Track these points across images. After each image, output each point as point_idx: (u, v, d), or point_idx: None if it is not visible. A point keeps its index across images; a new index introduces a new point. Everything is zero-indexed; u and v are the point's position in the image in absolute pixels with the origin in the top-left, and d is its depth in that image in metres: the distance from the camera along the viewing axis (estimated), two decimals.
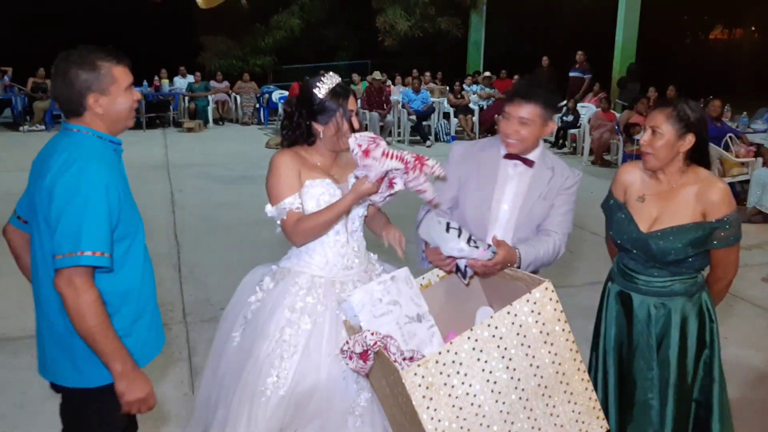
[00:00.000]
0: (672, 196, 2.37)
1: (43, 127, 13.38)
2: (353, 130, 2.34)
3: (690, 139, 2.29)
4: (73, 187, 1.83)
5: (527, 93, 2.42)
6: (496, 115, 13.32)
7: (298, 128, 2.39)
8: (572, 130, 11.96)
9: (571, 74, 13.94)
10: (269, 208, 2.37)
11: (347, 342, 2.02)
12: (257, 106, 15.63)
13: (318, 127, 2.36)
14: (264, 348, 2.28)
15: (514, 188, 2.54)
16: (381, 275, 2.44)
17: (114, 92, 1.95)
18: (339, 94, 2.33)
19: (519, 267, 2.32)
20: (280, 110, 14.51)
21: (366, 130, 2.50)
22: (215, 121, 15.16)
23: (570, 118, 12.01)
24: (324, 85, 2.34)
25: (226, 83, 15.79)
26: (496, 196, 2.54)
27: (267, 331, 2.30)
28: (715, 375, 2.42)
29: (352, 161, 2.41)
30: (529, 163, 2.53)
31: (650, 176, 2.43)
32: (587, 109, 12.04)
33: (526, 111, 2.40)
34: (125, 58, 2.00)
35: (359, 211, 2.46)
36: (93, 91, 1.91)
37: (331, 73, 2.40)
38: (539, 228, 2.54)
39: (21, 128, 13.40)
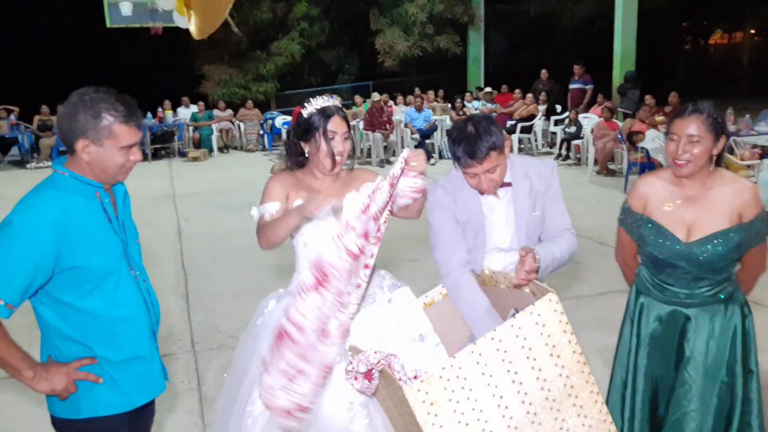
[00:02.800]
0: (703, 200, 2.31)
1: (50, 163, 13.43)
2: (332, 151, 2.32)
3: (723, 142, 2.27)
4: (7, 219, 1.83)
5: (479, 151, 2.29)
6: None
7: (291, 147, 2.44)
8: (575, 141, 11.94)
9: (572, 86, 13.97)
10: (253, 209, 2.40)
11: (351, 362, 2.00)
12: (261, 132, 15.72)
13: (304, 146, 2.39)
14: (254, 369, 2.27)
15: (503, 214, 2.48)
16: (384, 294, 2.41)
17: (107, 146, 1.90)
18: (322, 113, 2.34)
19: (538, 269, 2.23)
20: (284, 136, 14.55)
21: (355, 152, 2.46)
22: (220, 150, 15.24)
23: (573, 129, 12.00)
24: (311, 106, 2.36)
25: (229, 111, 15.91)
26: (488, 230, 2.48)
27: (259, 352, 2.29)
28: (752, 366, 2.39)
29: (351, 181, 2.40)
30: (507, 185, 2.48)
31: (672, 182, 2.37)
32: (589, 119, 12.03)
33: (489, 163, 2.30)
34: (136, 119, 1.94)
35: None
36: (86, 137, 1.88)
37: (326, 96, 2.42)
38: (544, 234, 2.50)
39: (28, 165, 13.53)
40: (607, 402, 2.55)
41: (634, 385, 2.49)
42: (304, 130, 2.37)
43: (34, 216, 1.83)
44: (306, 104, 2.38)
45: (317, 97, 2.40)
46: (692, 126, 2.23)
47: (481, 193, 2.44)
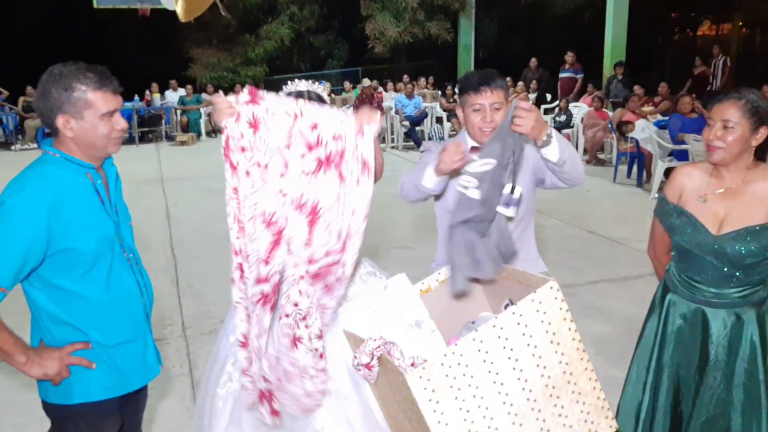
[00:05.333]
0: (740, 195, 2.22)
1: (35, 145, 13.31)
2: None
3: (763, 133, 2.16)
4: None
5: (493, 80, 2.41)
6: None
7: None
8: (565, 130, 11.96)
9: (562, 75, 13.97)
10: None
11: (355, 356, 1.99)
12: None
13: None
14: (225, 352, 2.27)
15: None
16: (362, 282, 2.40)
17: (89, 117, 1.86)
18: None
19: (550, 137, 2.22)
20: None
21: None
22: (208, 134, 15.14)
23: (563, 118, 12.02)
24: (287, 89, 2.29)
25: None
26: None
27: (229, 336, 2.28)
28: None
29: None
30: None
31: (711, 174, 2.27)
32: (579, 108, 12.05)
33: (497, 97, 2.42)
34: (110, 83, 1.88)
35: None
36: (64, 113, 1.84)
37: (311, 81, 2.33)
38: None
39: (13, 147, 13.39)
40: (621, 400, 2.53)
41: (657, 385, 2.41)
42: None
43: (26, 197, 1.80)
44: (284, 86, 2.30)
45: (298, 80, 2.31)
46: (728, 111, 2.15)
47: (480, 132, 2.45)
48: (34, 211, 1.79)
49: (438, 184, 2.32)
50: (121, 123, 1.93)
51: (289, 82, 2.31)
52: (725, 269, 2.22)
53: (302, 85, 2.30)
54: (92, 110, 1.85)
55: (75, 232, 1.86)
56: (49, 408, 2.02)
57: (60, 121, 1.85)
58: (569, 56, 13.86)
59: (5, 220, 1.78)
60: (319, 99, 2.29)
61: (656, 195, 7.86)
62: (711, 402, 2.29)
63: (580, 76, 13.75)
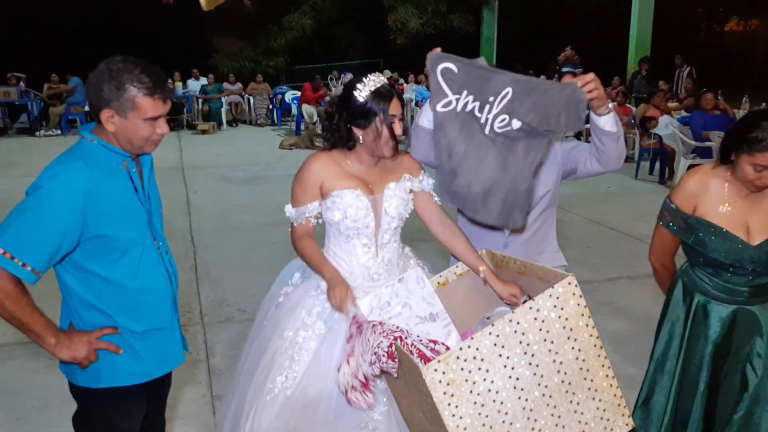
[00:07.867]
0: (762, 198, 2.22)
1: (59, 131, 13.50)
2: (394, 137, 2.20)
3: None
4: (36, 184, 1.82)
5: None
6: None
7: (337, 131, 2.26)
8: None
9: (564, 69, 13.88)
10: (289, 209, 2.32)
11: (375, 352, 1.97)
12: (270, 107, 15.66)
13: (357, 132, 2.21)
14: (278, 346, 2.25)
15: None
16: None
17: (132, 118, 1.87)
18: (381, 96, 2.16)
19: (609, 108, 2.29)
20: (294, 111, 14.52)
21: (407, 133, 2.34)
22: (229, 123, 15.22)
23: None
24: (365, 87, 2.18)
25: (239, 85, 15.86)
26: None
27: (283, 330, 2.27)
28: None
29: (393, 167, 2.34)
30: None
31: (726, 180, 2.24)
32: None
33: None
34: (163, 90, 1.89)
35: (392, 224, 2.35)
36: (110, 108, 1.86)
37: (376, 73, 2.24)
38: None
39: (37, 133, 13.53)
40: (640, 404, 2.52)
41: (694, 384, 2.38)
42: (358, 114, 2.18)
43: (63, 182, 1.82)
44: (359, 85, 2.19)
45: (369, 75, 2.21)
46: None
47: None
48: (71, 195, 1.81)
49: (431, 120, 2.29)
50: (163, 128, 1.94)
51: (369, 76, 2.21)
52: (763, 271, 2.22)
53: (374, 80, 2.20)
54: (138, 113, 1.87)
55: (109, 219, 1.88)
56: (76, 391, 2.05)
57: (105, 114, 1.87)
58: (569, 52, 13.81)
59: (42, 204, 1.80)
60: (395, 91, 2.24)
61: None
62: (749, 397, 2.28)
63: (579, 71, 13.63)
